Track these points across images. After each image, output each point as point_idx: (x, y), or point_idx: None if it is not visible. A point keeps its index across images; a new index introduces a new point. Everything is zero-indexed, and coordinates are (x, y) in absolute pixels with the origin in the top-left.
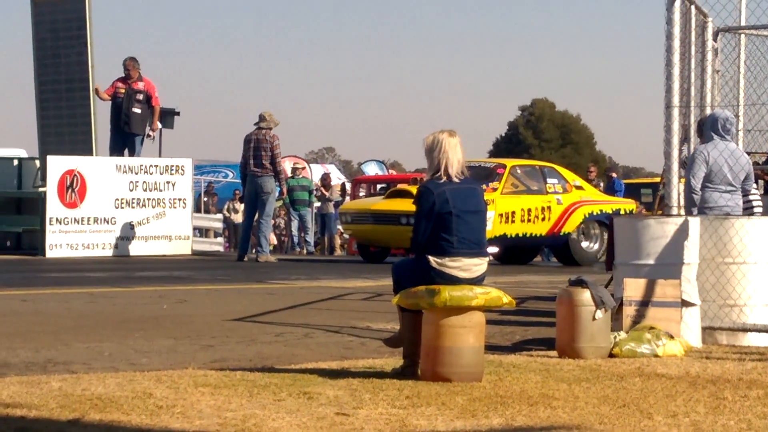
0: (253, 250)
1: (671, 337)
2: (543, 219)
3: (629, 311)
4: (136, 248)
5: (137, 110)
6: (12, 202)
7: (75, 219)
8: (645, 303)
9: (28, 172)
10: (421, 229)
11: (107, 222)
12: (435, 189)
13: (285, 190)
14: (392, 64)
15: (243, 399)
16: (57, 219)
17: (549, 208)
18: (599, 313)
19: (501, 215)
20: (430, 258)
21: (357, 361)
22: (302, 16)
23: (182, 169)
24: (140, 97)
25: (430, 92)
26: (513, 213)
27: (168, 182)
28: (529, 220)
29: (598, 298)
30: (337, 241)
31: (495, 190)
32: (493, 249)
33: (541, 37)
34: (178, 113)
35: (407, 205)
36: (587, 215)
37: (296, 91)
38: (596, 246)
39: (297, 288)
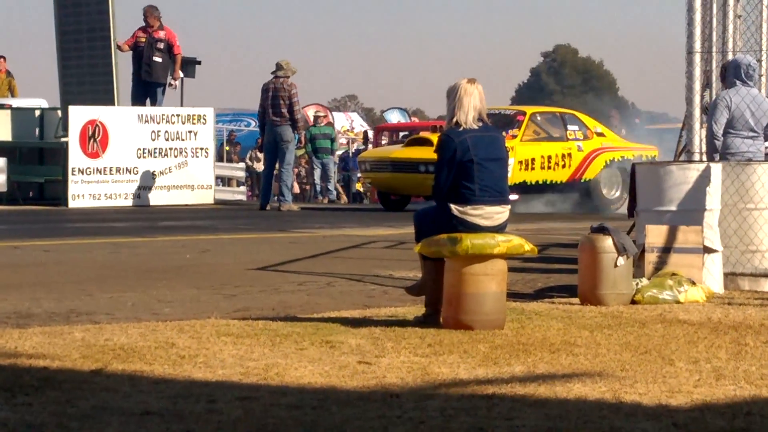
0: (276, 199)
1: (693, 283)
2: (563, 166)
3: (651, 258)
4: (158, 198)
5: (158, 59)
6: (34, 152)
7: (97, 169)
8: (667, 249)
9: (50, 123)
10: (442, 178)
11: (129, 172)
12: (456, 137)
13: (303, 138)
14: (414, 11)
15: (265, 348)
16: (79, 169)
17: (569, 155)
18: (621, 260)
19: (521, 162)
20: (452, 206)
21: (379, 309)
22: None
23: (204, 118)
24: (161, 46)
25: (452, 39)
26: (533, 160)
27: (190, 131)
28: (549, 167)
29: (620, 245)
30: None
31: (515, 137)
32: (513, 196)
33: None
34: (199, 62)
35: (426, 153)
36: (608, 162)
37: (318, 39)
38: (617, 193)
39: (319, 237)
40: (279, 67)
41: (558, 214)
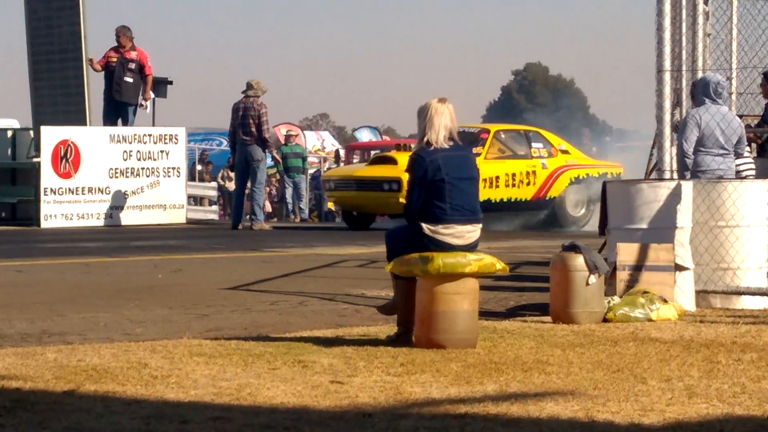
0: (248, 218)
1: (665, 301)
2: (528, 183)
3: (623, 276)
4: (130, 218)
5: (129, 79)
6: (6, 172)
7: (69, 189)
8: (638, 267)
9: (22, 143)
10: (414, 197)
11: (102, 192)
12: (427, 156)
13: (277, 156)
14: (385, 30)
15: (238, 368)
16: (51, 189)
17: (534, 172)
18: (593, 278)
19: (485, 180)
20: (424, 225)
21: (351, 328)
22: None
23: (176, 138)
24: (132, 66)
25: (423, 58)
26: (497, 178)
27: (162, 151)
28: (514, 185)
29: (592, 263)
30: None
31: (479, 155)
32: None
33: (533, 1)
34: (171, 82)
35: (390, 171)
36: (573, 179)
37: (289, 58)
38: (582, 210)
39: (291, 256)
40: (249, 86)
41: (529, 233)
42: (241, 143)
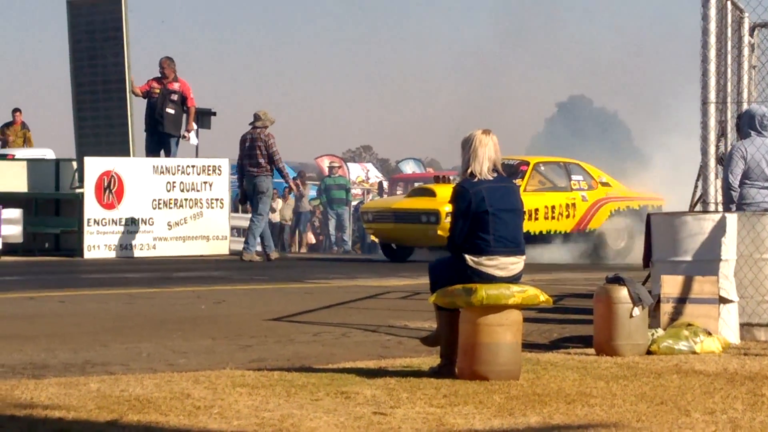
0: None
1: (709, 333)
2: (568, 216)
3: (667, 308)
4: (173, 249)
5: (171, 111)
6: (50, 203)
7: (113, 220)
8: (682, 300)
9: (66, 174)
10: (458, 229)
11: (145, 223)
12: (471, 188)
13: (293, 185)
14: (430, 62)
15: (281, 399)
16: (95, 220)
17: (574, 204)
18: (636, 311)
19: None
20: (467, 257)
21: (394, 360)
22: (338, 12)
23: (219, 169)
24: (175, 97)
25: (467, 90)
26: (537, 210)
27: (205, 182)
28: (553, 217)
29: (636, 295)
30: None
31: (518, 187)
32: None
33: (577, 35)
34: (214, 113)
35: (428, 204)
36: (614, 211)
37: (333, 89)
38: (623, 243)
39: (334, 287)
40: (256, 117)
41: (572, 265)
42: (248, 174)
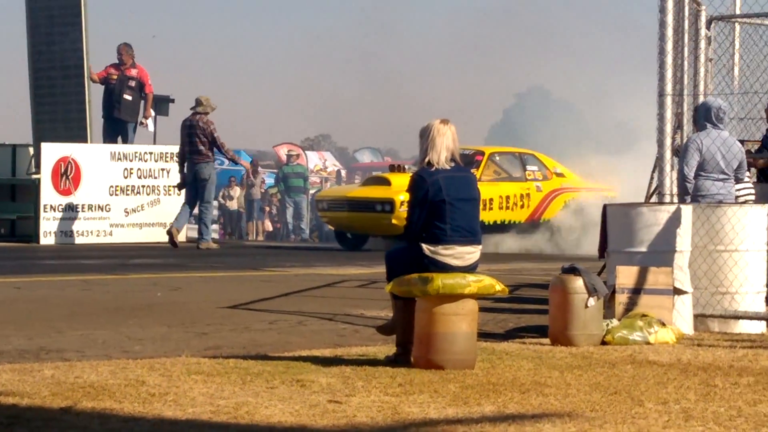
0: (196, 238)
1: (663, 324)
2: (522, 206)
3: (621, 299)
4: (130, 235)
5: (128, 97)
6: (6, 188)
7: (69, 206)
8: (637, 290)
9: (23, 159)
10: (414, 217)
11: (102, 209)
12: (428, 177)
13: (244, 163)
14: (388, 51)
15: (236, 387)
16: (51, 206)
17: (528, 195)
18: (592, 301)
19: None
20: (424, 246)
21: (350, 348)
22: (298, 1)
23: (177, 156)
24: (132, 84)
25: (426, 80)
26: (491, 200)
27: (162, 169)
28: (508, 207)
29: (591, 286)
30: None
31: (475, 177)
32: None
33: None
34: (172, 100)
35: (382, 192)
36: (568, 202)
37: (292, 77)
38: (577, 233)
39: (291, 275)
40: (198, 102)
41: (529, 255)
42: (189, 162)
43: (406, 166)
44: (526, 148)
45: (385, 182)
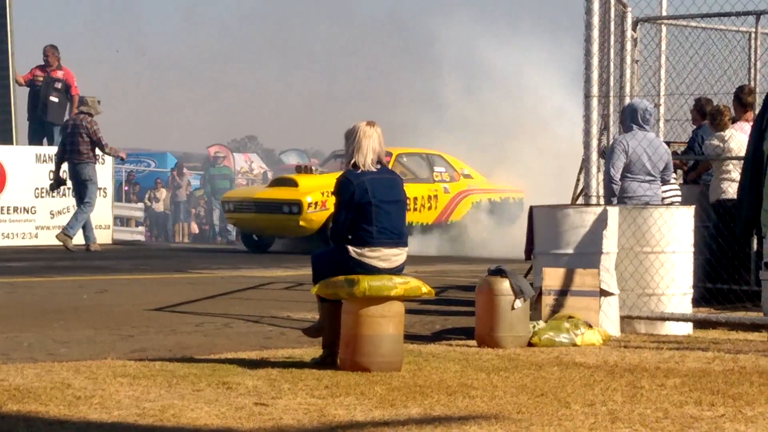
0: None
1: (590, 326)
2: (429, 208)
3: (548, 300)
4: (56, 238)
5: (55, 99)
6: None
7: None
8: (564, 292)
9: None
10: (340, 219)
11: (27, 211)
12: (355, 179)
13: (121, 154)
14: (314, 51)
15: (162, 389)
16: None
17: (436, 196)
18: (518, 303)
19: None
20: (350, 248)
21: (276, 350)
22: (225, 2)
23: (103, 158)
24: (59, 85)
25: (353, 82)
26: None
27: None
28: (415, 209)
29: (517, 288)
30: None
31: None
32: None
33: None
34: (99, 101)
35: (289, 194)
36: (475, 203)
37: (218, 78)
38: (484, 235)
39: (218, 277)
40: (83, 102)
41: (456, 257)
42: (69, 162)
43: (313, 167)
44: (433, 149)
45: (292, 183)
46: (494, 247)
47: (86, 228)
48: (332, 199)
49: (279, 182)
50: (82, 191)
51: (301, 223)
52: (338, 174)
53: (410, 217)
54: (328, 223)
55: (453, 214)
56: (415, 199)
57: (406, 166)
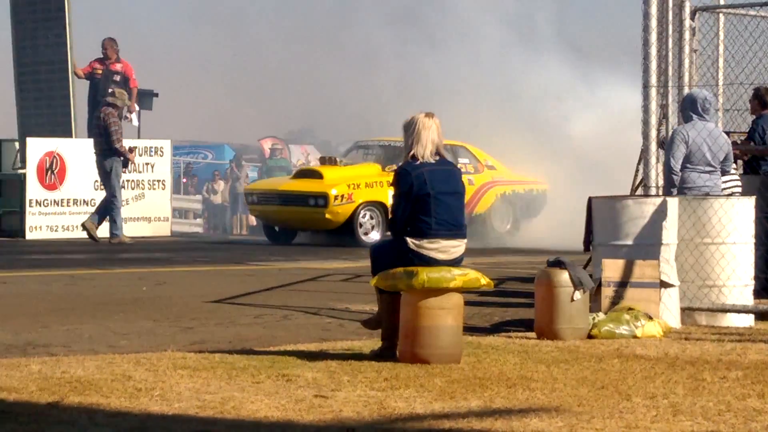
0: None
1: (650, 318)
2: None
3: (608, 292)
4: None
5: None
6: None
7: (55, 201)
8: (624, 284)
9: (8, 154)
10: (399, 211)
11: (87, 204)
12: (413, 170)
13: (130, 156)
14: (371, 46)
15: (222, 381)
16: (37, 201)
17: None
18: (578, 294)
19: None
20: (408, 240)
21: (336, 342)
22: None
23: (161, 151)
24: (117, 78)
25: (412, 73)
26: None
27: (147, 163)
28: None
29: (577, 279)
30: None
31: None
32: None
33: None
34: (156, 94)
35: (315, 186)
36: (499, 195)
37: (276, 70)
38: (508, 226)
39: (276, 269)
40: (111, 93)
41: (514, 248)
42: (95, 154)
43: (338, 159)
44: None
45: (318, 175)
46: (519, 240)
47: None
48: (358, 192)
49: (304, 174)
50: (104, 184)
51: (327, 216)
52: (364, 165)
53: None
54: (354, 216)
55: (478, 206)
56: None
57: None
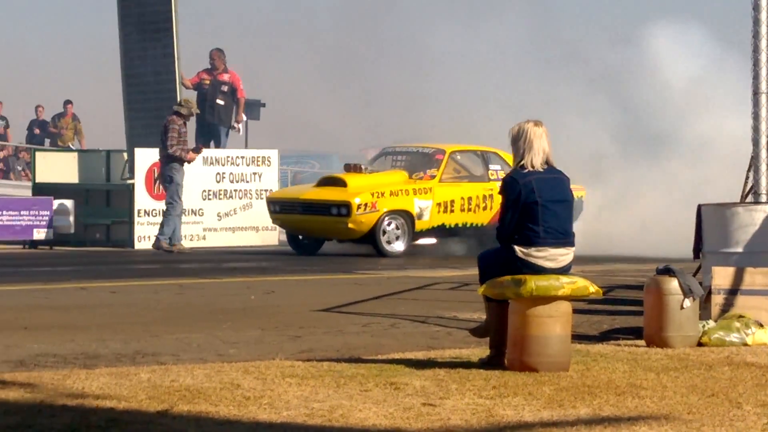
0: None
1: (761, 325)
2: (485, 208)
3: (718, 300)
4: (223, 239)
5: (221, 102)
6: (101, 194)
7: (163, 211)
8: (734, 291)
9: (117, 165)
10: (507, 219)
11: (194, 213)
12: (521, 179)
13: (190, 157)
14: (477, 52)
15: (330, 389)
16: (145, 211)
17: (491, 196)
18: (687, 302)
19: (439, 204)
20: (516, 248)
21: (443, 351)
22: (389, 10)
23: (268, 160)
24: (225, 88)
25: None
26: (452, 202)
27: (255, 173)
28: (469, 209)
29: (686, 287)
30: None
31: (433, 177)
32: (430, 240)
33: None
34: (263, 104)
35: (338, 194)
36: None
37: (383, 79)
38: None
39: (383, 278)
40: (178, 102)
41: (623, 256)
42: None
43: (362, 166)
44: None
45: (341, 183)
46: None
47: (162, 225)
48: (382, 200)
49: (327, 182)
50: (165, 190)
51: (350, 225)
52: (389, 172)
53: (464, 218)
54: (378, 226)
55: None
56: (470, 199)
57: (460, 164)
